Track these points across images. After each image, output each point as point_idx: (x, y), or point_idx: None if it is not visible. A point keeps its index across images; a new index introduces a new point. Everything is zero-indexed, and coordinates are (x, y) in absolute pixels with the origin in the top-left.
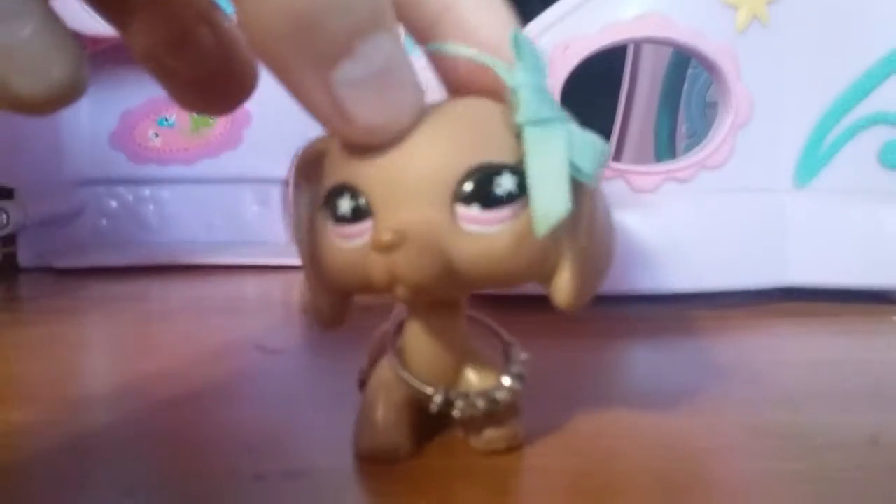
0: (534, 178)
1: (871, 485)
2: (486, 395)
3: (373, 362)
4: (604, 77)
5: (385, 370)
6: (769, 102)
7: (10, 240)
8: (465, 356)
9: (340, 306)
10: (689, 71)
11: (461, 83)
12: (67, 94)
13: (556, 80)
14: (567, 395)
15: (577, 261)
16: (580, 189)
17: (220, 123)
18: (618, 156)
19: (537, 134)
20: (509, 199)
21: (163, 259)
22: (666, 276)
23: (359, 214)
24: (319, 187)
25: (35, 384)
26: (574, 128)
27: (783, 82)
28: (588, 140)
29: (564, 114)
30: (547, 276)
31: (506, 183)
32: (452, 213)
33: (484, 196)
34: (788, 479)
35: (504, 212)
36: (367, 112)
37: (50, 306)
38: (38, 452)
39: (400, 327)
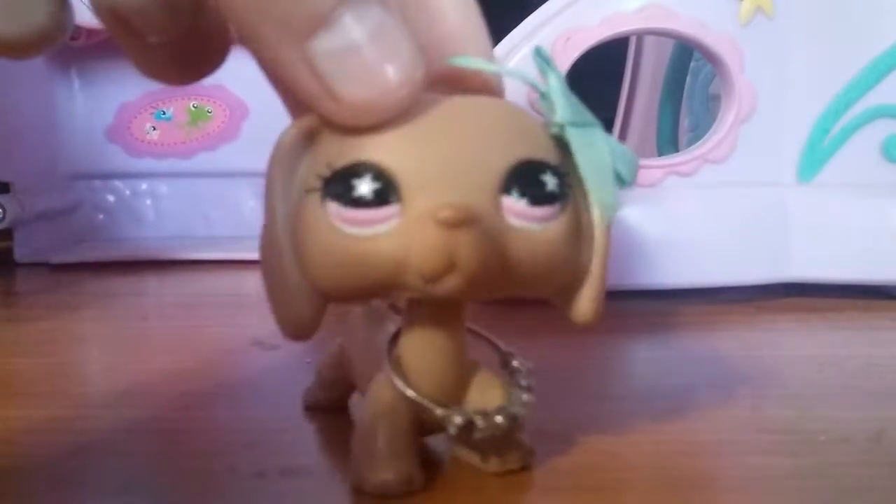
0: (588, 174)
1: (875, 480)
2: (504, 412)
3: (326, 384)
4: (606, 69)
5: (383, 391)
6: (772, 96)
7: (7, 235)
8: (467, 370)
9: (318, 311)
10: (692, 63)
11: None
12: (50, 37)
13: None
14: (569, 390)
15: (599, 275)
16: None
17: (218, 117)
18: None
19: (580, 135)
20: (554, 198)
21: (160, 254)
22: (668, 271)
23: (383, 197)
24: (313, 165)
25: (32, 380)
26: (607, 134)
27: (787, 75)
28: (623, 147)
29: (596, 120)
30: (567, 289)
31: (551, 181)
32: (498, 206)
33: (533, 190)
34: (791, 474)
35: (550, 209)
36: (353, 87)
37: (46, 301)
38: (36, 448)
39: (393, 342)
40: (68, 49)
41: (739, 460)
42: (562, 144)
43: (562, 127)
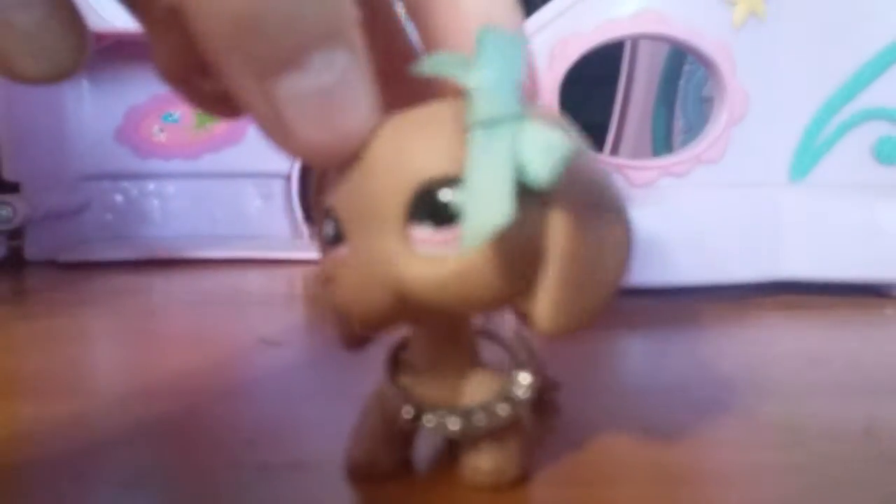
0: (469, 185)
1: (865, 475)
2: (476, 414)
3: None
4: (601, 73)
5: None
6: (765, 98)
7: (17, 234)
8: (471, 371)
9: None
10: (686, 67)
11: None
12: (67, 76)
13: (555, 76)
14: (564, 386)
15: (555, 283)
16: (549, 195)
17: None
18: (615, 151)
19: (482, 137)
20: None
21: (167, 253)
22: (661, 270)
23: (338, 238)
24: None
25: (40, 377)
26: (533, 123)
27: (779, 78)
28: (549, 139)
29: (521, 110)
30: (525, 301)
31: (459, 197)
32: (406, 237)
33: (434, 214)
34: (783, 469)
35: (456, 230)
36: (310, 130)
37: (55, 299)
38: (43, 444)
39: (403, 344)
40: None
41: (731, 455)
42: None
43: (467, 130)
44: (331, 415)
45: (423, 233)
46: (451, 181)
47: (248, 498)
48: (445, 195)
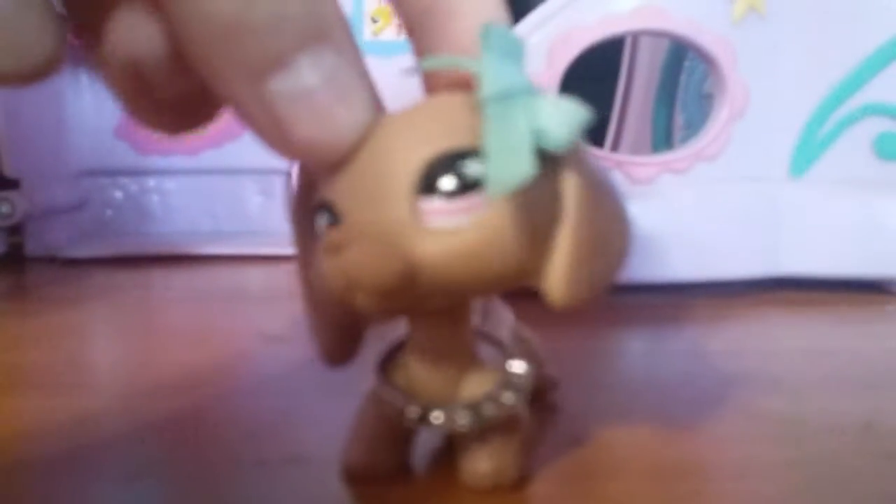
0: (490, 146)
1: (865, 470)
2: (473, 408)
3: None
4: (602, 69)
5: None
6: (765, 93)
7: (17, 230)
8: (472, 370)
9: (343, 339)
10: (686, 63)
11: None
12: (44, 73)
13: (555, 72)
14: (563, 381)
15: (568, 248)
16: (561, 165)
17: (224, 114)
18: (615, 147)
19: (496, 108)
20: (477, 183)
21: (167, 249)
22: (662, 265)
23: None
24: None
25: (41, 372)
26: (546, 96)
27: (779, 73)
28: (563, 107)
29: (532, 85)
30: (537, 275)
31: (471, 168)
32: (416, 211)
33: (446, 185)
34: (783, 464)
35: (472, 200)
36: (304, 129)
37: (55, 295)
38: (43, 439)
39: (399, 344)
40: (77, 47)
41: (731, 449)
42: None
43: (481, 105)
44: (330, 411)
45: (435, 204)
46: (463, 153)
47: (247, 492)
48: (459, 166)
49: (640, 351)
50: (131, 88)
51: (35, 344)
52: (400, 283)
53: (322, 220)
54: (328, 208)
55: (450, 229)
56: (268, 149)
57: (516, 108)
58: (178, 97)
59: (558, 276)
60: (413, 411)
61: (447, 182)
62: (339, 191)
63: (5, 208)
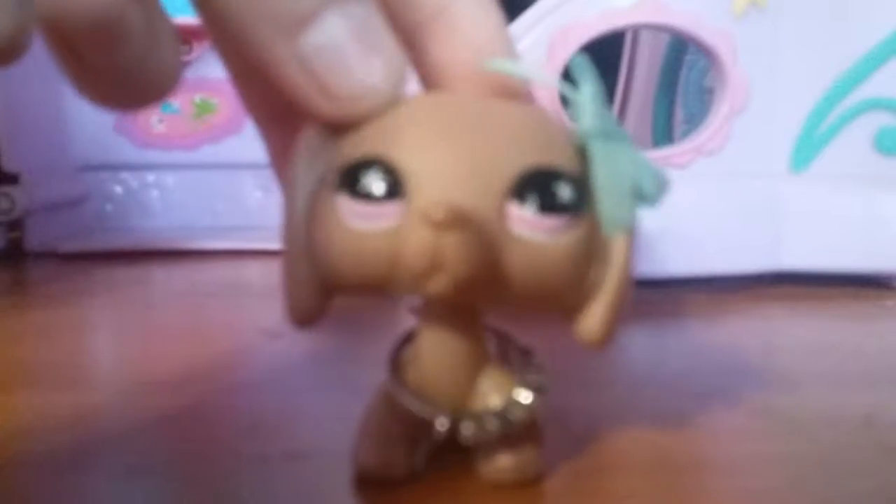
0: (602, 185)
1: (865, 464)
2: (498, 416)
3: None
4: (602, 63)
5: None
6: (766, 88)
7: (16, 224)
8: (482, 369)
9: (324, 302)
10: (687, 56)
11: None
12: (9, 55)
13: (555, 66)
14: (564, 377)
15: (612, 293)
16: None
17: (223, 110)
18: None
19: (603, 146)
20: (565, 208)
21: (166, 244)
22: (662, 260)
23: (391, 193)
24: (331, 161)
25: (40, 367)
26: (636, 149)
27: (780, 68)
28: (650, 164)
29: (627, 134)
30: (575, 306)
31: (565, 191)
32: (502, 212)
33: (542, 199)
34: (783, 458)
35: (561, 220)
36: (343, 81)
37: (55, 290)
38: (43, 434)
39: (406, 340)
40: None
41: (732, 444)
42: (586, 156)
43: (586, 137)
44: (330, 406)
45: (524, 213)
46: (558, 173)
47: (248, 488)
48: (554, 185)
49: (640, 346)
50: (59, 50)
51: (34, 339)
52: (486, 280)
53: (372, 179)
54: (385, 167)
55: (534, 243)
56: (310, 110)
57: (621, 153)
58: (114, 69)
59: (598, 317)
60: (442, 423)
61: (542, 197)
62: (413, 156)
63: (5, 203)
